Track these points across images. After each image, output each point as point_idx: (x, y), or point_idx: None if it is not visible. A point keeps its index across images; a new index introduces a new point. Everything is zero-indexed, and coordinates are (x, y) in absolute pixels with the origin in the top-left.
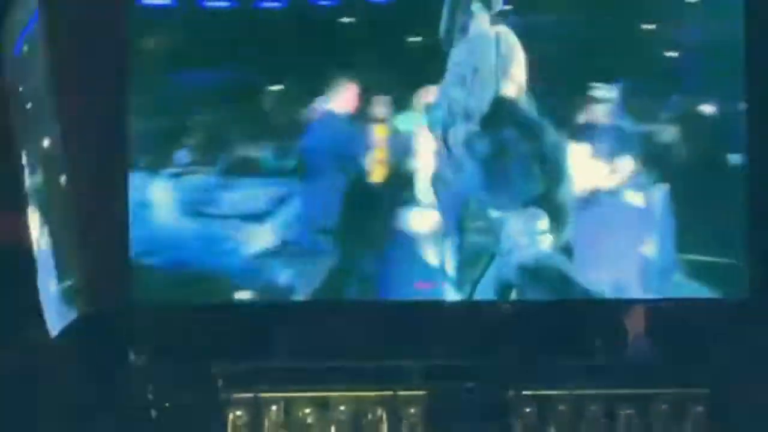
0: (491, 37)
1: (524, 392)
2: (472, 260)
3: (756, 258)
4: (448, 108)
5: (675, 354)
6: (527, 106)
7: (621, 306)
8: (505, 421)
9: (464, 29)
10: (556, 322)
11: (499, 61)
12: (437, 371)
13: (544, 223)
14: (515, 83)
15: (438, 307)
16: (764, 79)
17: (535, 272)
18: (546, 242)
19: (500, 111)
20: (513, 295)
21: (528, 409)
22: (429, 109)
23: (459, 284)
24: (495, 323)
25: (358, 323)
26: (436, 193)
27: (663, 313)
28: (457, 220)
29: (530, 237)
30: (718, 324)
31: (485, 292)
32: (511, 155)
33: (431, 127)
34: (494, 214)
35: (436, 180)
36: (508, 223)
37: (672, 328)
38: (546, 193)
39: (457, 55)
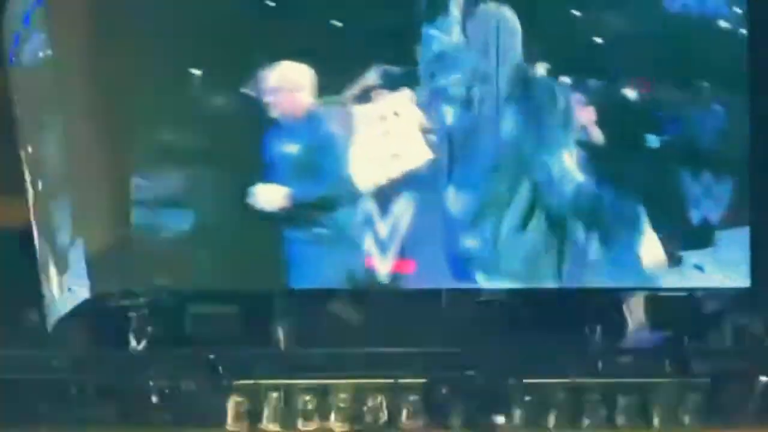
0: (502, 13)
1: (524, 380)
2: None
3: (757, 247)
4: (472, 72)
5: (675, 343)
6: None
7: (620, 294)
8: (505, 409)
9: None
10: (556, 310)
11: (513, 34)
12: (437, 359)
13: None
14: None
15: (438, 294)
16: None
17: (578, 202)
18: (579, 176)
19: (523, 74)
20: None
21: (528, 398)
22: (435, 72)
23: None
24: (495, 310)
25: (359, 311)
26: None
27: (662, 302)
28: (484, 168)
29: (570, 173)
30: (719, 312)
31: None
32: (543, 109)
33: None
34: (540, 157)
35: (454, 135)
36: (554, 164)
37: (672, 317)
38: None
39: (469, 28)
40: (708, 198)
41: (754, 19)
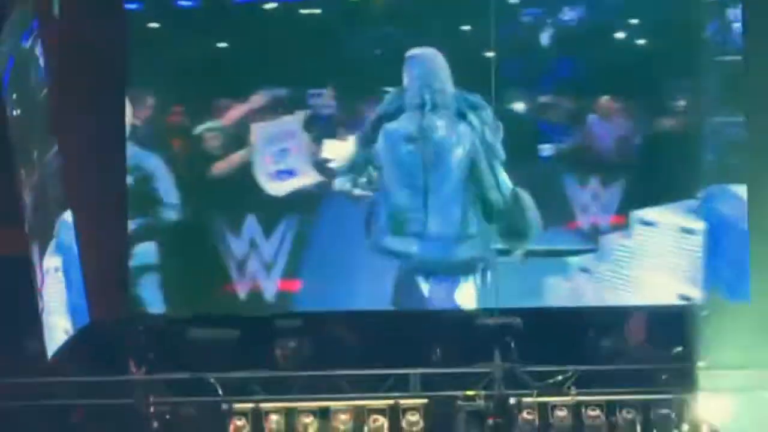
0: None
1: (525, 399)
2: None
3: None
4: (431, 99)
5: (674, 358)
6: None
7: (619, 312)
8: (506, 427)
9: None
10: (556, 329)
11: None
12: (438, 379)
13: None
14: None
15: (439, 315)
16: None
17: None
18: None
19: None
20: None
21: (529, 415)
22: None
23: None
24: (495, 330)
25: (359, 332)
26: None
27: (661, 318)
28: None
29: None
30: (719, 327)
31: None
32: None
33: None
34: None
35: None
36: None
37: (671, 333)
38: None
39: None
40: (596, 204)
41: (654, 29)
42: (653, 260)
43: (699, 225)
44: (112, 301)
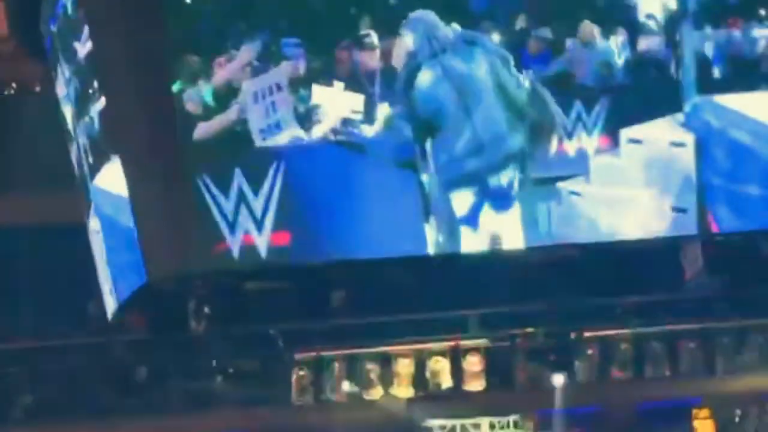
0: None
1: (585, 334)
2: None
3: None
4: (439, 45)
5: (735, 287)
6: None
7: (679, 242)
8: (567, 363)
9: None
10: (616, 261)
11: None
12: (496, 319)
13: None
14: None
15: (494, 255)
16: None
17: None
18: None
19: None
20: None
21: (590, 351)
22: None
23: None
24: (551, 267)
25: (416, 277)
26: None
27: (721, 247)
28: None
29: None
30: None
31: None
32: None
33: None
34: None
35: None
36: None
37: (731, 261)
38: None
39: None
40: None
41: None
42: (645, 176)
43: (688, 137)
44: (167, 259)
